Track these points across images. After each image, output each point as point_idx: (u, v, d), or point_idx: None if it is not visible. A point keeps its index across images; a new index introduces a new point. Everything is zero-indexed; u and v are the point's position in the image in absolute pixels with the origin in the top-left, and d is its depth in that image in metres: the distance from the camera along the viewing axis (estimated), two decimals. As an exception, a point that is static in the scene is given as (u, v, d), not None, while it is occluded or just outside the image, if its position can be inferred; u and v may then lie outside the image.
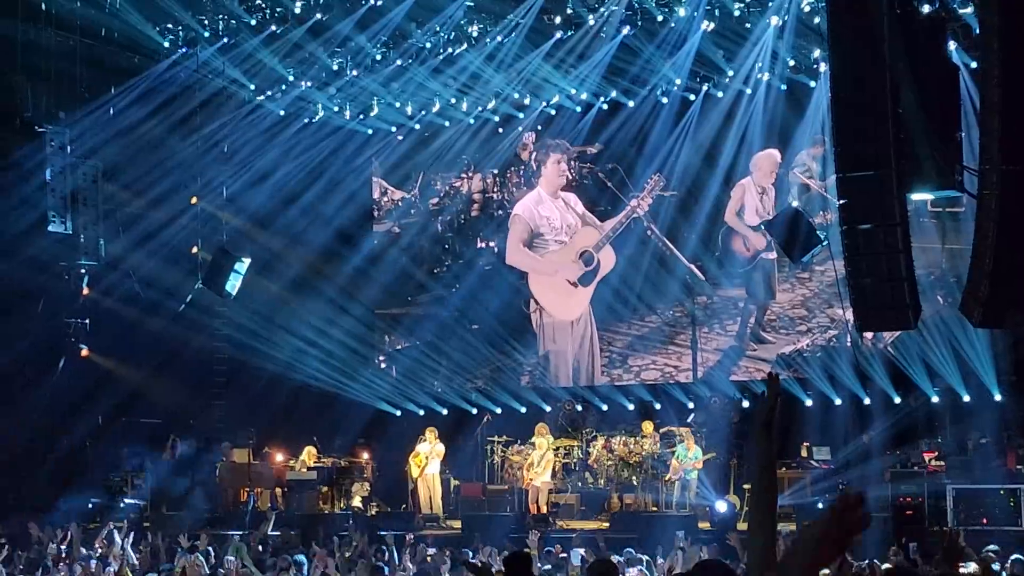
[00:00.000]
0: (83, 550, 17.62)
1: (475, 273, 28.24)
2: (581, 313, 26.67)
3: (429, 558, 17.28)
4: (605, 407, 27.02)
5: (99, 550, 17.70)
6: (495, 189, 28.47)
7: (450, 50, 26.17)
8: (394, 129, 29.28)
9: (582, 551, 16.69)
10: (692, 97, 26.48)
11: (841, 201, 14.73)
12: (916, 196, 15.29)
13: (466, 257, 28.61)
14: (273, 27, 26.00)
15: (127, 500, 25.26)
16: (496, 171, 28.43)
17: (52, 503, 24.61)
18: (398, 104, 28.20)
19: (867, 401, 24.10)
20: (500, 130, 27.94)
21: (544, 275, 27.01)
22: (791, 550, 3.85)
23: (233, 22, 26.40)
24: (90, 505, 25.01)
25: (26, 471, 25.15)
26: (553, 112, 27.84)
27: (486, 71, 26.48)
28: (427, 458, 24.74)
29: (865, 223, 14.57)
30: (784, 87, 25.50)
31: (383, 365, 29.35)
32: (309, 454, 25.88)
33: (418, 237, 29.13)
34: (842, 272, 15.34)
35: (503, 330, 27.97)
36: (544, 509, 23.64)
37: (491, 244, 28.03)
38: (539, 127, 27.79)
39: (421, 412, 28.40)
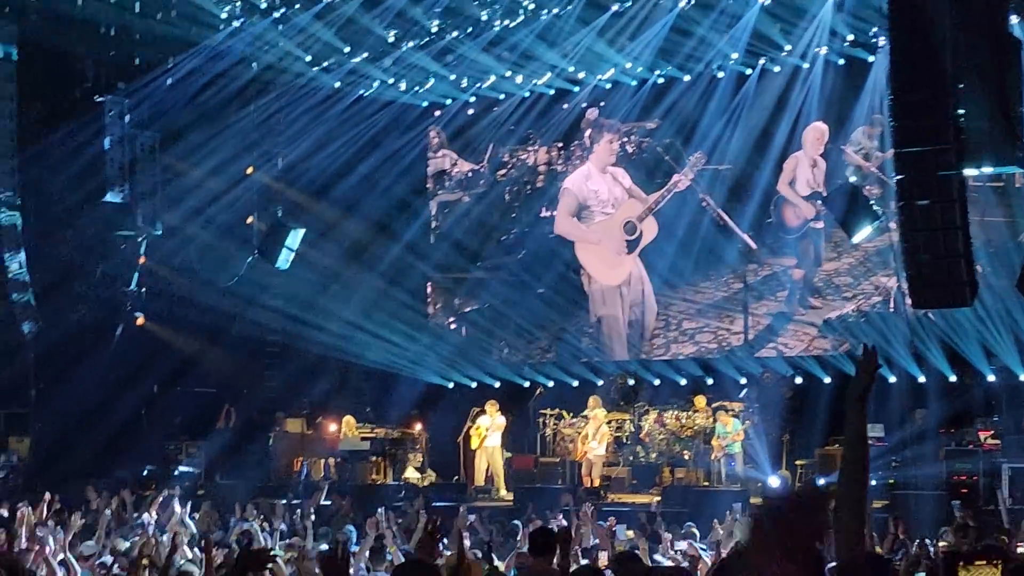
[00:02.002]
0: (138, 516, 17.78)
1: (538, 240, 28.55)
2: (625, 278, 27.16)
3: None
4: (657, 381, 26.99)
5: (155, 516, 17.88)
6: (559, 161, 28.71)
7: (506, 22, 26.10)
8: (449, 102, 29.39)
9: (629, 533, 16.64)
10: (748, 71, 26.33)
11: (898, 177, 14.64)
12: (975, 171, 15.12)
13: (530, 225, 28.91)
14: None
15: (182, 468, 25.48)
16: (561, 144, 28.62)
17: (108, 470, 24.89)
18: (452, 77, 28.19)
19: (922, 379, 23.92)
20: (565, 105, 28.08)
21: (589, 243, 27.56)
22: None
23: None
24: (145, 472, 25.24)
25: (82, 438, 25.39)
26: (608, 87, 27.81)
27: (541, 45, 26.45)
28: (487, 430, 24.79)
29: (922, 199, 14.48)
30: (842, 62, 25.29)
31: (452, 327, 29.55)
32: (348, 424, 25.96)
33: (486, 205, 29.42)
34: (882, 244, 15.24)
35: (564, 295, 28.17)
36: (597, 482, 23.66)
37: (553, 213, 28.39)
38: (601, 103, 27.88)
39: (473, 384, 28.48)
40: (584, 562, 11.28)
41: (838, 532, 4.75)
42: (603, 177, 27.45)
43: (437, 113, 29.74)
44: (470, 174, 29.60)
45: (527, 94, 28.38)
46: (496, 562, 12.25)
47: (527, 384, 27.89)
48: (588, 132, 27.93)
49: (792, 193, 25.99)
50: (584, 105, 28.01)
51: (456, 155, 29.74)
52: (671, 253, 26.89)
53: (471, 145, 29.57)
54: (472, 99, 29.09)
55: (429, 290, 30.04)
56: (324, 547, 13.34)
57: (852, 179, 24.28)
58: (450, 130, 29.76)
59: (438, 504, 21.51)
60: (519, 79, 28.00)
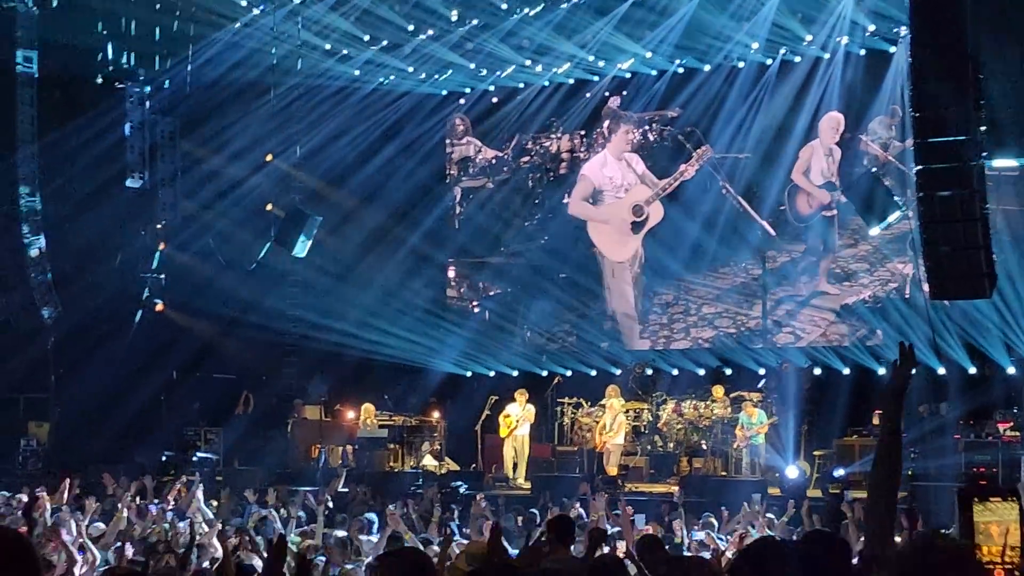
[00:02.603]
0: (159, 502, 17.82)
1: (561, 226, 28.92)
2: (631, 255, 27.92)
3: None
4: (675, 371, 27.00)
5: (172, 503, 17.92)
6: (581, 148, 29.15)
7: (526, 10, 26.13)
8: (468, 91, 29.49)
9: (648, 528, 16.58)
10: (768, 62, 26.37)
11: (918, 167, 14.58)
12: (999, 163, 15.07)
13: (552, 211, 29.29)
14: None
15: (200, 454, 25.54)
16: (583, 132, 29.05)
17: (126, 455, 24.99)
18: (472, 66, 28.22)
19: (941, 371, 23.85)
20: (588, 94, 28.46)
21: (600, 223, 28.23)
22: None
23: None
24: (163, 458, 25.30)
25: (102, 423, 25.49)
26: (629, 76, 27.99)
27: (560, 34, 26.51)
28: (517, 420, 24.78)
29: (943, 190, 14.42)
30: (863, 52, 25.26)
31: (476, 310, 29.80)
32: (368, 411, 25.98)
33: (509, 191, 29.82)
34: (898, 231, 15.16)
35: (586, 279, 28.66)
36: (615, 471, 23.66)
37: (575, 198, 28.91)
38: (623, 92, 28.17)
39: (491, 373, 28.52)
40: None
41: (870, 523, 4.76)
42: (618, 164, 28.00)
43: (461, 101, 29.98)
44: (494, 161, 29.98)
45: (546, 83, 28.57)
46: (511, 549, 12.26)
47: (544, 373, 27.92)
48: (607, 122, 28.29)
49: (806, 182, 26.26)
50: (606, 94, 28.22)
51: (480, 142, 29.95)
52: (692, 239, 27.12)
53: (494, 132, 29.83)
54: (492, 88, 29.22)
55: (452, 274, 30.20)
56: (341, 534, 13.32)
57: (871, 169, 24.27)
58: (474, 117, 30.01)
59: (455, 484, 21.61)
60: (539, 68, 28.11)
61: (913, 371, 4.97)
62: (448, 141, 30.18)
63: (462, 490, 22.14)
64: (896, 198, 20.44)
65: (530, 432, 25.05)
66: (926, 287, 15.98)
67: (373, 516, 16.12)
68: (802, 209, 26.43)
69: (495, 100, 29.54)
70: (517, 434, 24.81)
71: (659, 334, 27.94)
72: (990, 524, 5.18)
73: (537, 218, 29.44)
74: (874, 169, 23.99)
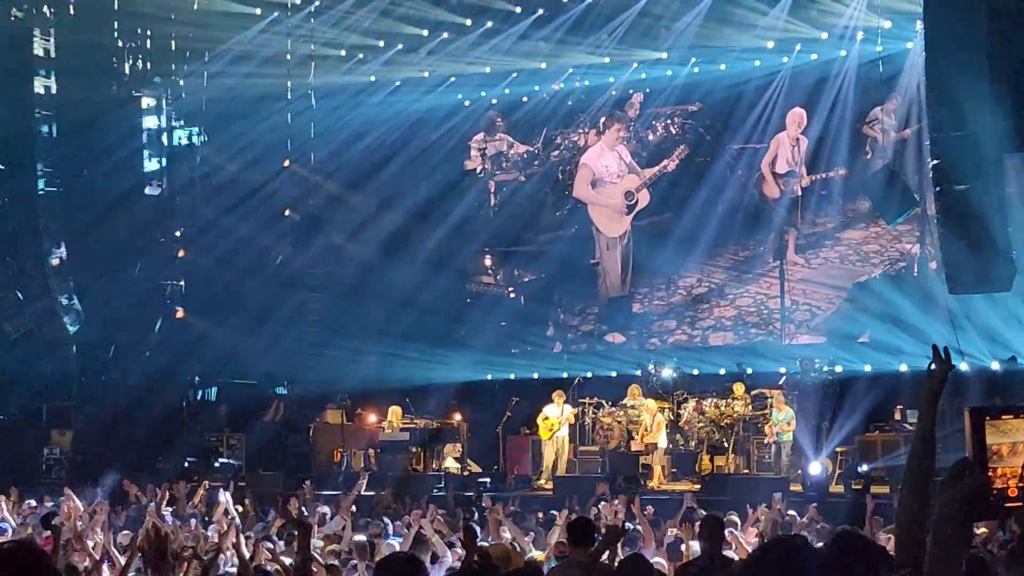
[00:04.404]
0: (173, 509, 17.87)
1: (586, 215, 29.50)
2: (623, 233, 29.28)
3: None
4: (696, 370, 26.97)
5: (198, 509, 17.99)
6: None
7: (541, 11, 26.27)
8: (483, 94, 29.67)
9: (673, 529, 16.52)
10: (785, 60, 26.59)
11: (935, 162, 14.56)
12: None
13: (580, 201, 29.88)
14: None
15: (222, 460, 25.61)
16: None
17: (149, 462, 25.04)
18: (487, 69, 28.40)
19: (964, 367, 23.71)
20: (614, 92, 29.04)
21: (597, 205, 29.47)
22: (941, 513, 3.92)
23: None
24: (186, 464, 25.37)
25: (124, 430, 25.58)
26: (643, 76, 28.48)
27: (577, 32, 26.70)
28: (559, 422, 24.79)
29: (960, 184, 14.39)
30: (880, 48, 25.36)
31: (512, 296, 30.41)
32: (395, 414, 25.98)
33: (539, 184, 30.43)
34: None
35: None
36: (663, 474, 23.70)
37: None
38: (647, 89, 28.79)
39: (511, 376, 28.51)
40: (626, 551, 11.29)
41: (903, 523, 4.75)
42: (611, 154, 29.14)
43: (494, 101, 30.27)
44: (525, 155, 30.70)
45: (562, 86, 29.07)
46: (535, 552, 12.27)
47: (565, 375, 27.84)
48: (603, 119, 29.18)
49: (768, 170, 27.59)
50: (630, 91, 28.92)
51: (511, 138, 30.57)
52: (718, 221, 27.79)
53: (524, 128, 30.35)
54: (517, 87, 29.46)
55: (488, 261, 30.68)
56: (361, 538, 13.37)
57: (867, 155, 25.94)
58: (506, 114, 30.42)
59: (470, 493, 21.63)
60: (556, 67, 28.36)
61: (948, 373, 4.95)
62: (483, 136, 30.54)
63: (485, 495, 22.12)
64: (915, 194, 20.43)
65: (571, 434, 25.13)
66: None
67: (387, 520, 16.13)
68: (770, 194, 27.83)
69: (524, 100, 30.00)
70: (558, 435, 24.82)
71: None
72: (1002, 445, 5.11)
73: (567, 208, 30.13)
74: (868, 156, 24.41)
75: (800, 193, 27.32)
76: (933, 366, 5.00)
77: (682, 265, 28.49)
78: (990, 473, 5.03)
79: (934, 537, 4.50)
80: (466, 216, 30.15)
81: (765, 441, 23.85)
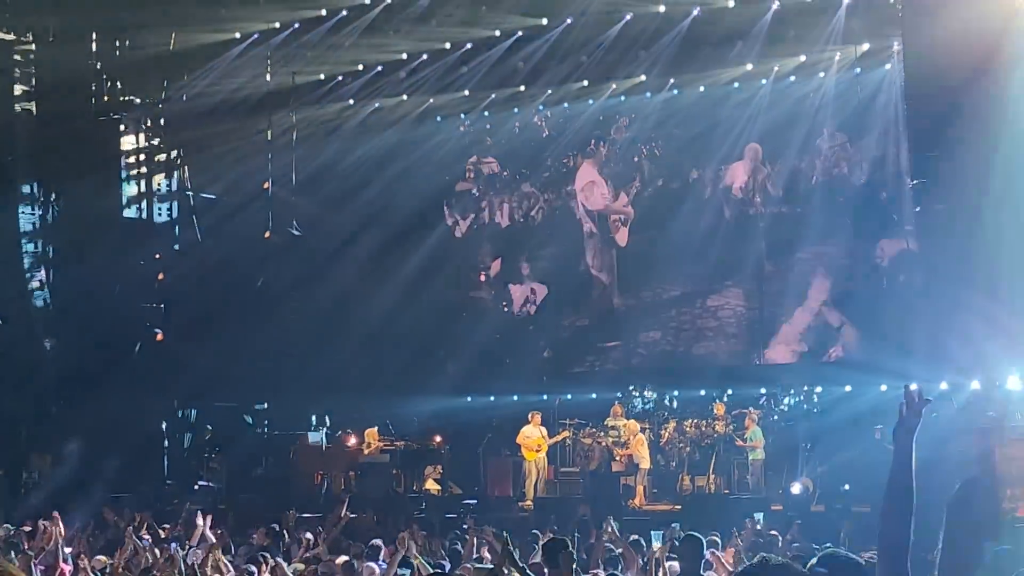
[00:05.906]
0: (160, 533, 17.80)
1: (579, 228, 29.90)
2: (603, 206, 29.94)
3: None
4: (676, 391, 26.93)
5: (176, 532, 17.90)
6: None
7: (519, 34, 26.42)
8: (463, 116, 29.73)
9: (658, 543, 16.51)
10: (763, 81, 26.74)
11: (915, 181, 14.66)
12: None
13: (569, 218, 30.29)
14: (344, 11, 26.02)
15: (201, 483, 25.51)
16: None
17: (129, 485, 24.90)
18: (466, 92, 28.51)
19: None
20: (601, 117, 29.33)
21: (592, 223, 30.13)
22: None
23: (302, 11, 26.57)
24: (166, 487, 25.27)
25: (103, 453, 25.46)
26: (623, 98, 28.70)
27: (554, 58, 26.83)
28: (545, 443, 24.79)
29: (939, 204, 14.49)
30: (858, 71, 25.55)
31: (505, 310, 30.71)
32: (371, 435, 25.94)
33: (531, 204, 30.77)
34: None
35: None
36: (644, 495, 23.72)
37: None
38: (632, 114, 29.11)
39: (492, 398, 28.40)
40: (609, 571, 11.31)
41: (883, 554, 4.76)
42: (598, 176, 29.78)
43: (488, 126, 30.50)
44: (517, 176, 31.09)
45: (541, 107, 29.13)
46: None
47: (544, 397, 27.75)
48: (591, 143, 29.74)
49: (721, 195, 28.29)
50: (618, 116, 29.26)
51: (497, 162, 30.93)
52: (699, 240, 27.99)
53: (514, 152, 30.66)
54: (487, 113, 29.53)
55: (483, 279, 31.00)
56: (344, 559, 13.33)
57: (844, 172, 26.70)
58: (493, 138, 30.68)
59: (449, 516, 21.59)
60: (534, 91, 28.43)
61: (922, 412, 4.96)
62: (477, 158, 30.75)
63: (468, 517, 22.06)
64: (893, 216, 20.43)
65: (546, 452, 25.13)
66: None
67: (378, 542, 16.10)
68: (728, 216, 28.44)
69: (517, 126, 30.32)
70: (540, 456, 24.81)
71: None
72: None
73: (553, 227, 30.52)
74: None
75: (763, 211, 27.83)
76: (904, 410, 5.01)
77: (667, 278, 28.73)
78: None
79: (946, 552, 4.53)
80: (447, 237, 30.22)
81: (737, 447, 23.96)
